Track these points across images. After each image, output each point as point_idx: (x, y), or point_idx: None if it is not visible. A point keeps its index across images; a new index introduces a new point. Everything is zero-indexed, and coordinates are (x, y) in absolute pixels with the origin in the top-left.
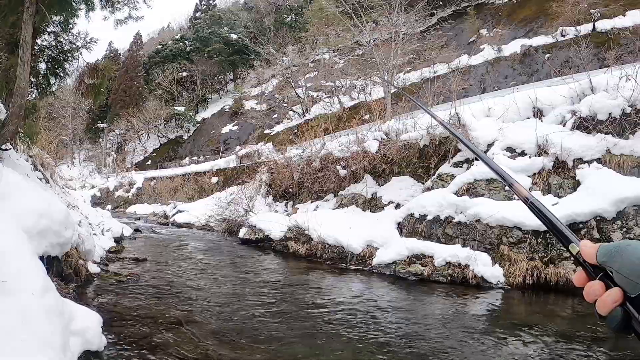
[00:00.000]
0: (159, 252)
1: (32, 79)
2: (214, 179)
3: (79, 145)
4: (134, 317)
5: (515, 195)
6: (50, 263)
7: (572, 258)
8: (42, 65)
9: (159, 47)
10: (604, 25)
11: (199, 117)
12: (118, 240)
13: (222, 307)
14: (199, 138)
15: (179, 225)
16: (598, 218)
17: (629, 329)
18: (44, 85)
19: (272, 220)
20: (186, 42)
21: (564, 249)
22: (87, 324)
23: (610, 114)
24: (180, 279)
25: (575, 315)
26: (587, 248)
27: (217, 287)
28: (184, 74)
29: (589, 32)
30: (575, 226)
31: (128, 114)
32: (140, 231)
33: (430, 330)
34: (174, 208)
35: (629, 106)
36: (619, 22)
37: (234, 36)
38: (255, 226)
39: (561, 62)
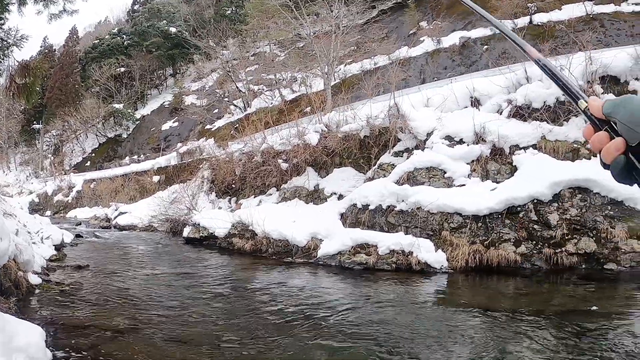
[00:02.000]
0: (102, 257)
1: None
2: (156, 178)
3: (14, 149)
4: (79, 328)
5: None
6: None
7: (580, 113)
8: None
9: (96, 41)
10: (540, 18)
11: (138, 115)
12: (59, 247)
13: (168, 311)
14: (138, 136)
15: (122, 228)
16: (535, 201)
17: (631, 178)
18: None
19: (216, 218)
20: (124, 36)
21: (504, 231)
22: (29, 340)
23: (545, 102)
24: (124, 284)
25: (518, 293)
26: (594, 102)
27: (161, 291)
28: (122, 69)
29: (526, 24)
30: (513, 209)
31: (65, 113)
32: (81, 236)
33: (379, 317)
34: (116, 210)
35: (563, 95)
36: (555, 15)
37: (173, 29)
38: (199, 224)
39: (499, 54)
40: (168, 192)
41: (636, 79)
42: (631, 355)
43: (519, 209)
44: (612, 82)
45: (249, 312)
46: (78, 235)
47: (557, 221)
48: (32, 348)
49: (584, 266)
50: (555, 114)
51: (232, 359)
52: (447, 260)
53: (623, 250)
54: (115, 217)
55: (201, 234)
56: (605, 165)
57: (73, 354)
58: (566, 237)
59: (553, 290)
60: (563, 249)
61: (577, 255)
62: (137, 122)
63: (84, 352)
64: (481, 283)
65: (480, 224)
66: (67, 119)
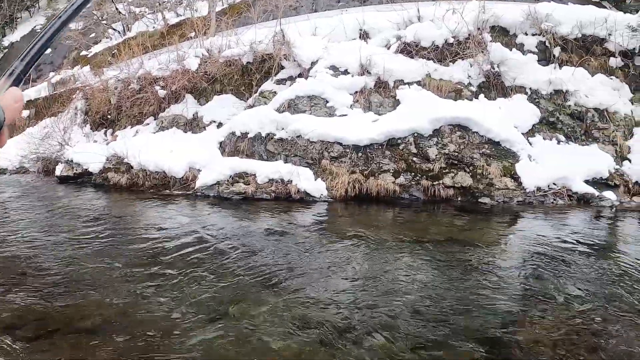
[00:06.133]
0: None
1: None
2: (25, 113)
3: None
4: None
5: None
6: None
7: None
8: None
9: None
10: None
11: (6, 41)
12: None
13: (39, 258)
14: (6, 66)
15: None
16: (416, 134)
17: None
18: None
19: (90, 152)
20: None
21: (384, 162)
22: None
23: (433, 42)
24: None
25: (397, 222)
26: None
27: (30, 237)
28: None
29: None
30: (394, 141)
31: None
32: None
33: (260, 247)
34: None
35: (452, 37)
36: None
37: None
38: (72, 160)
39: None
40: (39, 128)
41: (525, 34)
42: (499, 282)
43: (399, 141)
44: (501, 33)
45: (123, 248)
46: None
47: (436, 155)
48: None
49: (459, 199)
50: (443, 54)
51: (103, 300)
52: (327, 189)
53: (497, 187)
54: None
55: (75, 171)
56: None
57: None
58: (444, 171)
59: (430, 220)
60: (440, 181)
61: (453, 188)
62: (5, 51)
63: None
64: (361, 211)
65: (360, 154)
66: None
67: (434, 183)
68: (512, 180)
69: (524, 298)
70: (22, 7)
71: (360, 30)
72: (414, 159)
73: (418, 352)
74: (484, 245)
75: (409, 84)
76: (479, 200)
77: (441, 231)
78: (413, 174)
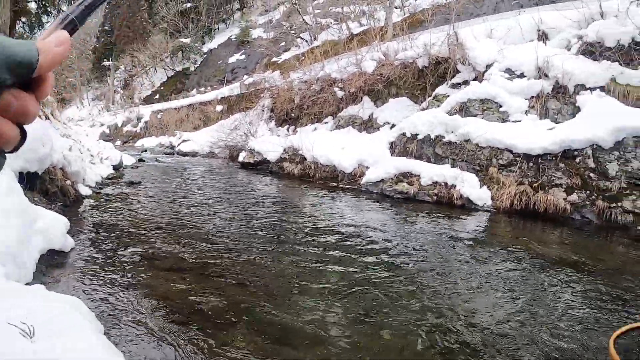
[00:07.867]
0: (157, 177)
1: (22, 20)
2: (219, 107)
3: (87, 86)
4: (109, 226)
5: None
6: (33, 181)
7: None
8: (33, 5)
9: None
10: None
11: (205, 48)
12: (117, 167)
13: (204, 219)
14: (205, 69)
15: (184, 154)
16: (595, 146)
17: None
18: (35, 25)
19: (269, 142)
20: None
21: (556, 175)
22: (50, 224)
23: (618, 41)
24: (167, 197)
25: (564, 244)
26: None
27: (203, 204)
28: (189, 4)
29: None
30: (569, 153)
31: (133, 49)
32: (143, 161)
33: (416, 247)
34: (180, 138)
35: None
36: None
37: None
38: (253, 149)
39: None
40: (230, 120)
41: None
42: None
43: (575, 153)
44: None
45: (283, 229)
46: (141, 160)
47: (617, 172)
48: (52, 231)
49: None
50: (629, 55)
51: (243, 260)
52: (491, 198)
53: None
54: (178, 145)
55: (255, 159)
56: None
57: (96, 244)
58: (624, 192)
59: (603, 247)
60: (619, 204)
61: (633, 214)
62: (205, 56)
63: (105, 244)
64: (525, 227)
65: (531, 164)
66: (136, 55)
67: (611, 205)
68: None
69: None
70: (219, 20)
71: (538, 30)
72: (591, 174)
73: None
74: None
75: (591, 89)
76: None
77: (613, 262)
78: (588, 192)
